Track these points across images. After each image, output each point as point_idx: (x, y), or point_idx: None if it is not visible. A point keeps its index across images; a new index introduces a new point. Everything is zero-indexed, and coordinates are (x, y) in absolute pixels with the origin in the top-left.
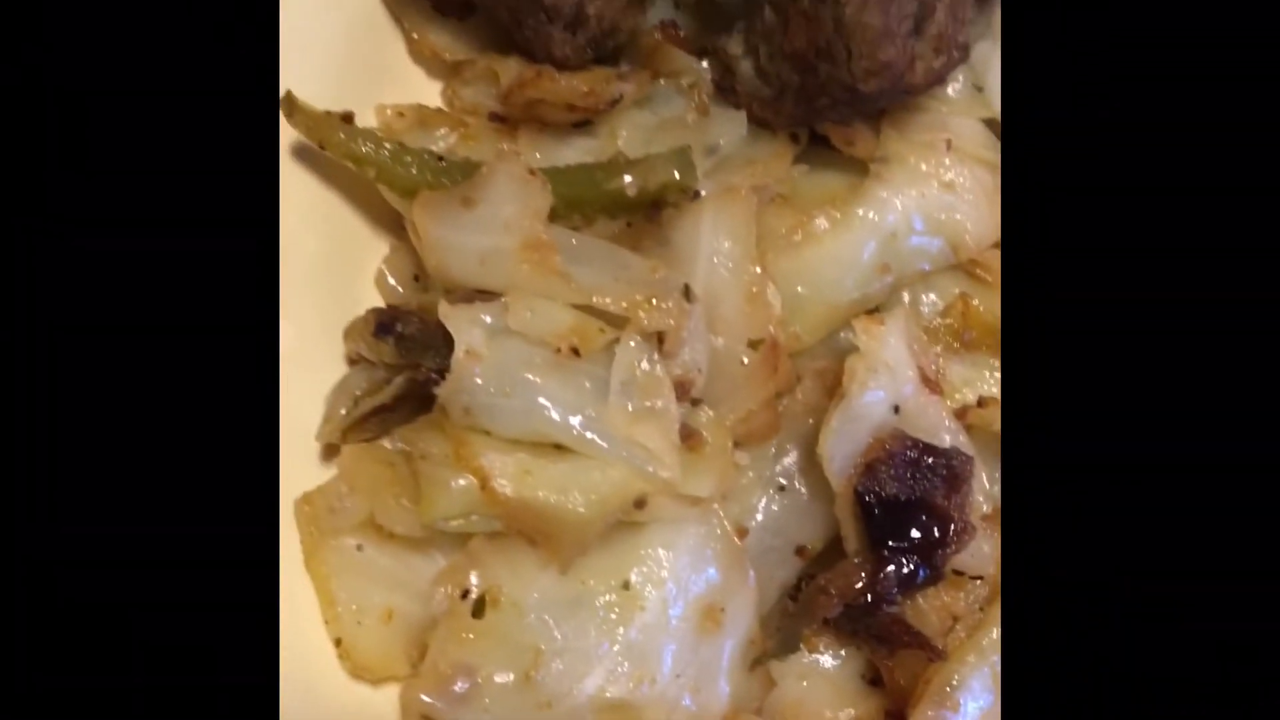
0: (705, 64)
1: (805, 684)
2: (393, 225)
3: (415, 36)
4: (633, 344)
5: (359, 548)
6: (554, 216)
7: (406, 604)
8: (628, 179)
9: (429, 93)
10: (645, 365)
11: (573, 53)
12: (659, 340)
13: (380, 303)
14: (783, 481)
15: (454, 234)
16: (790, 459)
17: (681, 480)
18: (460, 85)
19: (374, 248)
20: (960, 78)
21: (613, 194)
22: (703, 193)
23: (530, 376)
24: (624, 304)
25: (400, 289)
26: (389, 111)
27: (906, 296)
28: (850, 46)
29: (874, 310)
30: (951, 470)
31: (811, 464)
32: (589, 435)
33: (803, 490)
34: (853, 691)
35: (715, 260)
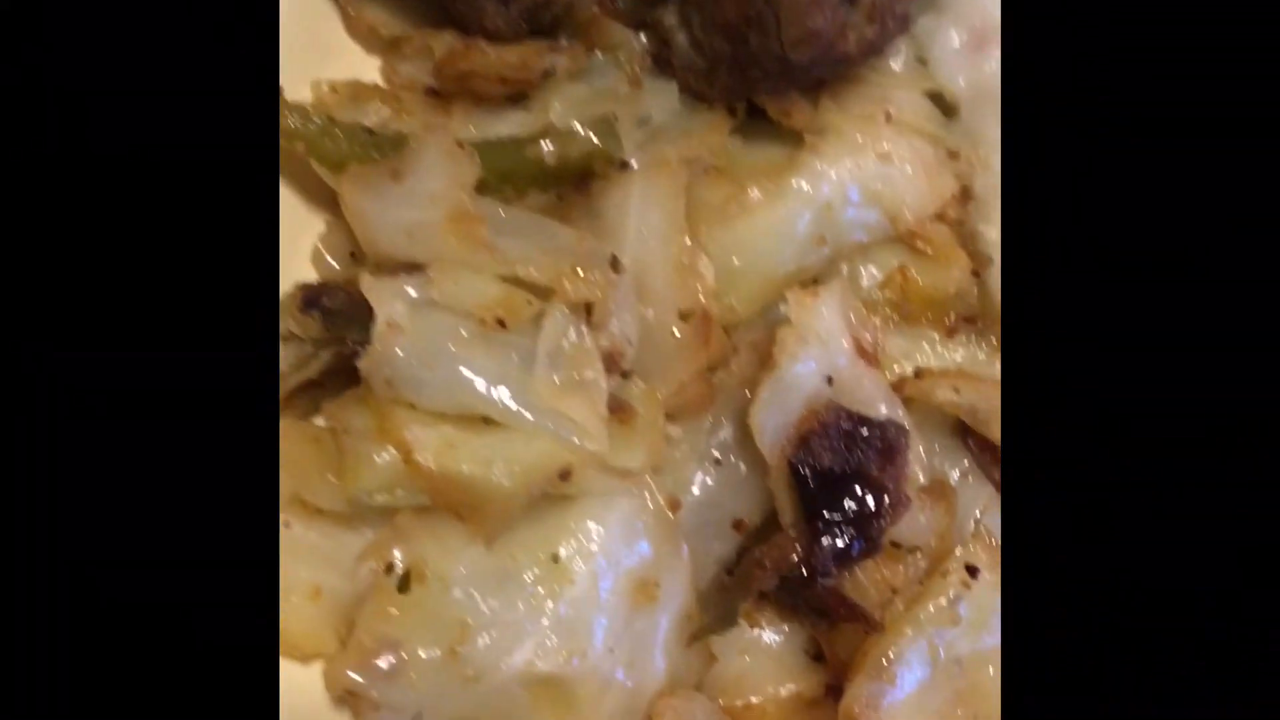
0: (642, 36)
1: (747, 659)
2: (328, 202)
3: (352, 13)
4: (559, 315)
5: (286, 524)
6: (485, 190)
7: (334, 581)
8: (547, 147)
9: (369, 69)
10: (572, 336)
11: (506, 25)
12: (587, 312)
13: (317, 280)
14: (717, 455)
15: (382, 207)
16: (725, 432)
17: (610, 452)
18: (398, 61)
19: (310, 225)
20: (903, 50)
21: (536, 164)
22: (634, 164)
23: (454, 348)
24: (550, 275)
25: (336, 265)
26: (324, 87)
27: (845, 269)
28: (779, 15)
29: (813, 282)
30: (886, 442)
31: (747, 437)
32: (514, 407)
33: (739, 464)
34: (795, 666)
35: (644, 231)
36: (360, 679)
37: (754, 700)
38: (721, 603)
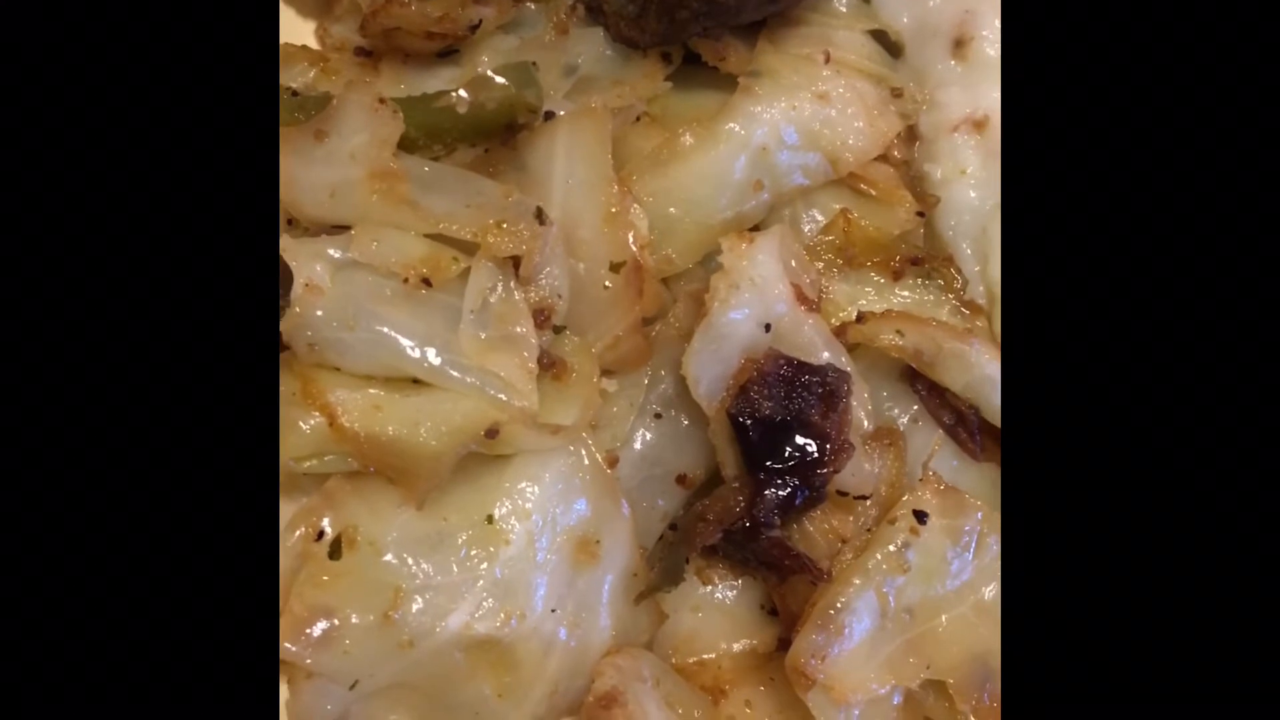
0: None
1: (699, 615)
2: None
3: None
4: (485, 270)
5: None
6: (413, 147)
7: None
8: (460, 95)
9: (304, 33)
10: (499, 291)
11: None
12: (514, 267)
13: None
14: (658, 409)
15: (305, 168)
16: (665, 386)
17: (542, 409)
18: (331, 22)
19: None
20: None
21: (455, 116)
22: (560, 114)
23: (377, 309)
24: (475, 230)
25: None
26: None
27: (788, 214)
28: None
29: (754, 229)
30: (827, 387)
31: (688, 390)
32: (440, 366)
33: (680, 417)
34: (749, 622)
35: (570, 182)
36: (293, 649)
37: (707, 657)
38: (668, 559)
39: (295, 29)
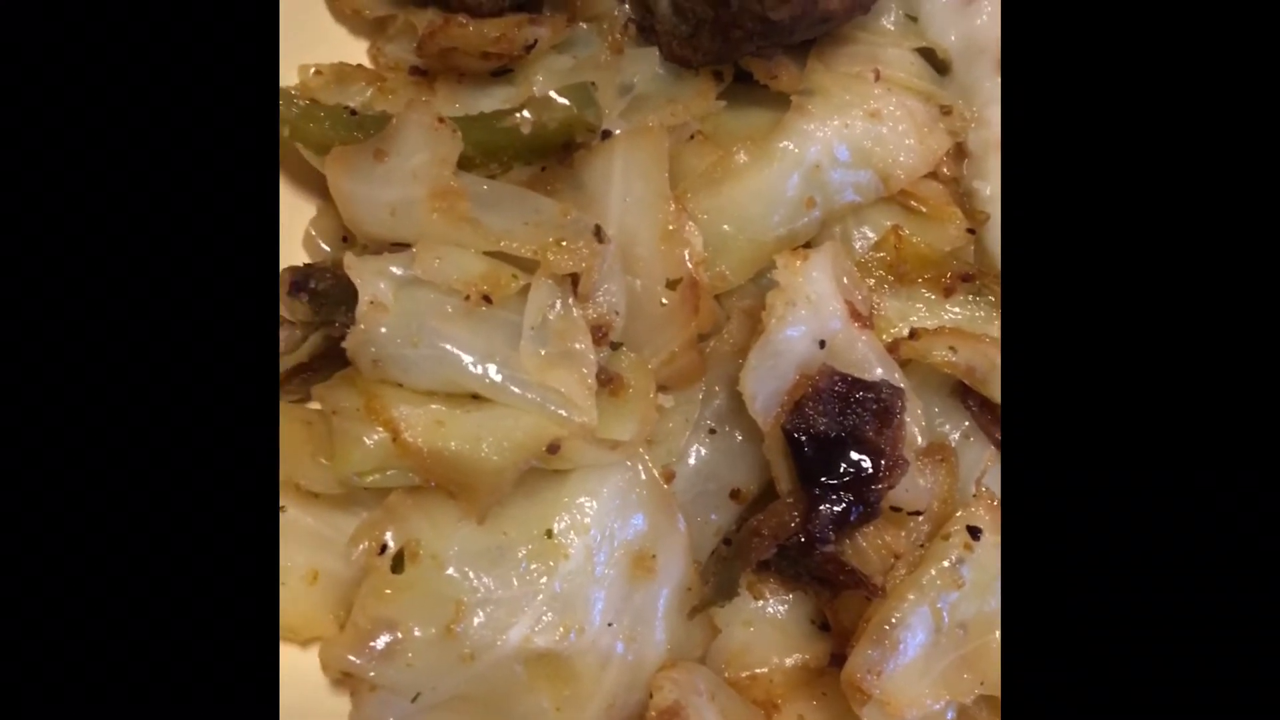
0: (626, 6)
1: (751, 630)
2: (319, 186)
3: None
4: (544, 287)
5: (282, 509)
6: (470, 165)
7: (332, 564)
8: (523, 115)
9: (356, 52)
10: (558, 308)
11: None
12: (573, 284)
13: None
14: (712, 424)
15: (366, 187)
16: (720, 401)
17: (600, 424)
18: (384, 42)
19: (303, 210)
20: (893, 7)
21: (516, 135)
22: (617, 133)
23: (439, 325)
24: (534, 248)
25: (328, 249)
26: (310, 71)
27: (839, 231)
28: None
29: (806, 247)
30: (882, 404)
31: (742, 406)
32: (501, 382)
33: (734, 433)
34: (801, 636)
35: (628, 200)
36: (356, 661)
37: (760, 671)
38: (722, 574)
39: (348, 48)
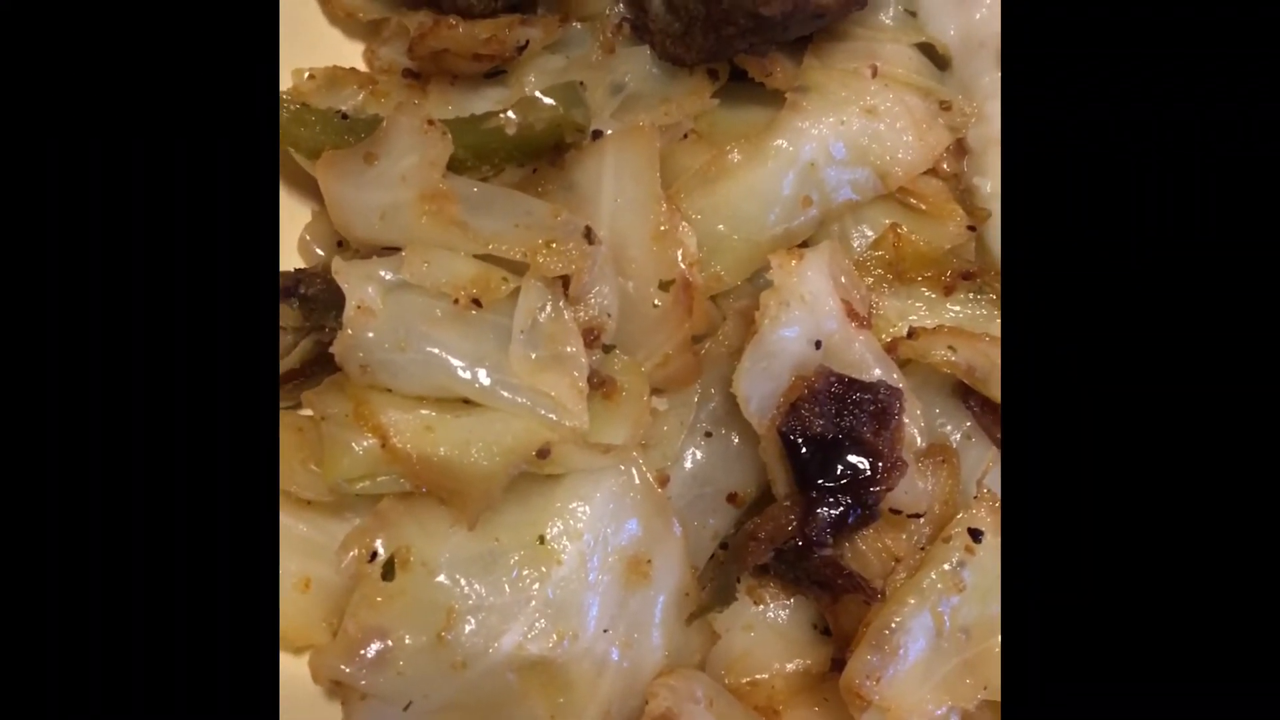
0: (620, 5)
1: (751, 635)
2: (314, 191)
3: None
4: (534, 289)
5: None
6: (461, 168)
7: (325, 571)
8: (509, 116)
9: (352, 56)
10: (548, 311)
11: (479, 1)
12: (564, 286)
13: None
14: (708, 427)
15: (356, 191)
16: (715, 404)
17: (593, 428)
18: (379, 45)
19: (298, 215)
20: (891, 3)
21: (504, 136)
22: (608, 133)
23: (427, 330)
24: (524, 250)
25: (323, 254)
26: (304, 75)
27: (837, 230)
28: None
29: (803, 245)
30: (879, 405)
31: (738, 408)
32: (491, 386)
33: (731, 435)
34: (802, 641)
35: (619, 200)
36: (347, 669)
37: (761, 677)
38: (720, 579)
39: (343, 52)
